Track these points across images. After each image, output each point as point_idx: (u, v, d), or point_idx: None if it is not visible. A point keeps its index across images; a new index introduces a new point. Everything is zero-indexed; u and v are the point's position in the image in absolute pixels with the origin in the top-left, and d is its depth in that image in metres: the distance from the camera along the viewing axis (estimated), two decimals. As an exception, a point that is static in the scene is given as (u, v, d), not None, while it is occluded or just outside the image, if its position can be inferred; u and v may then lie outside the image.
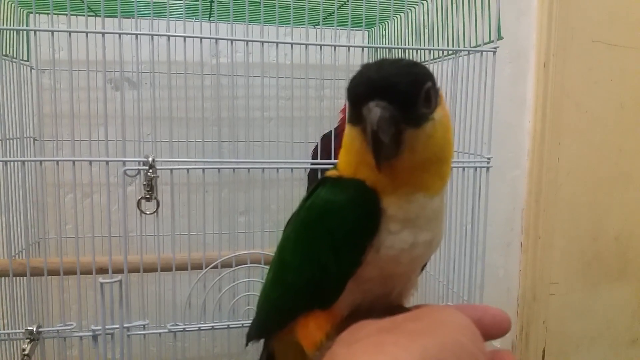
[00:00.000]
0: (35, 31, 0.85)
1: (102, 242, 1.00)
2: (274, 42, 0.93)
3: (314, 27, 1.42)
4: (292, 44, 0.91)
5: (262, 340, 0.51)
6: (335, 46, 0.92)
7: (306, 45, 0.92)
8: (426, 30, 1.13)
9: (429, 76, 0.38)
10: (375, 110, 0.35)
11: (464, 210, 1.02)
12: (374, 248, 0.39)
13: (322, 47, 0.92)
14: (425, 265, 0.48)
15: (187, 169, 0.88)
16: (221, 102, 1.04)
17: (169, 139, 0.90)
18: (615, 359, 1.85)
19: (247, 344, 0.52)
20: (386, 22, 1.42)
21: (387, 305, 0.42)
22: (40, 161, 0.87)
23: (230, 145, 1.04)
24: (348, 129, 0.40)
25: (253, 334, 0.51)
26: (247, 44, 0.88)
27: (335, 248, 0.40)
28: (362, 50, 0.96)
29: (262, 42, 0.90)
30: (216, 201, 0.95)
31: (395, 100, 0.36)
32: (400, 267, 0.41)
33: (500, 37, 0.97)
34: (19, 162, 0.88)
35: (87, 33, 0.86)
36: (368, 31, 1.51)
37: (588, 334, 1.81)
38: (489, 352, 0.36)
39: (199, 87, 1.03)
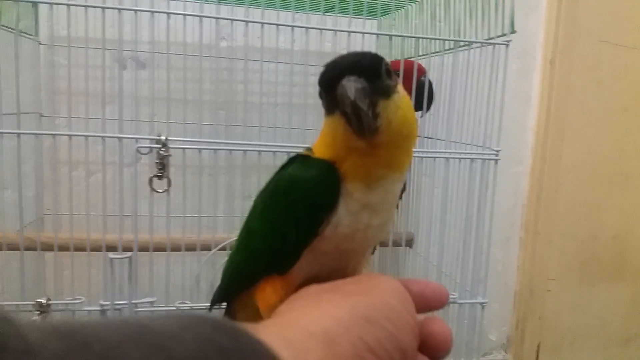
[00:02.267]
0: (51, 4, 0.84)
1: (104, 220, 0.99)
2: (288, 26, 0.92)
3: (323, 14, 1.41)
4: (307, 28, 0.91)
5: (224, 304, 0.55)
6: (350, 32, 0.92)
7: (321, 30, 0.92)
8: (434, 22, 1.13)
9: (384, 58, 0.43)
10: (349, 84, 0.39)
11: (471, 203, 1.03)
12: (332, 224, 0.43)
13: (337, 32, 0.92)
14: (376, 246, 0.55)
15: (199, 149, 0.88)
16: (231, 85, 1.04)
17: (181, 121, 0.91)
18: (607, 357, 1.87)
19: (210, 308, 0.56)
20: (397, 12, 1.41)
21: (342, 278, 0.45)
22: (53, 135, 0.87)
23: (241, 130, 1.04)
24: (325, 121, 0.44)
25: (217, 298, 0.55)
26: (262, 26, 0.88)
27: (294, 219, 0.44)
28: (377, 37, 0.96)
29: (277, 25, 0.90)
30: (226, 184, 0.95)
31: (363, 74, 0.40)
32: (354, 244, 0.45)
33: (513, 31, 0.97)
34: (33, 136, 0.88)
35: (103, 8, 0.86)
36: (377, 20, 1.51)
37: (582, 331, 1.83)
38: (422, 317, 0.40)
39: (208, 70, 1.03)
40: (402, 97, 0.42)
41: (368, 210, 0.44)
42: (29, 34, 1.21)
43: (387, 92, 0.41)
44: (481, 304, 1.05)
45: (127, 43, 1.01)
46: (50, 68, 1.29)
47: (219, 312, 0.55)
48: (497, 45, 0.98)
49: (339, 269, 0.46)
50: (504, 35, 0.97)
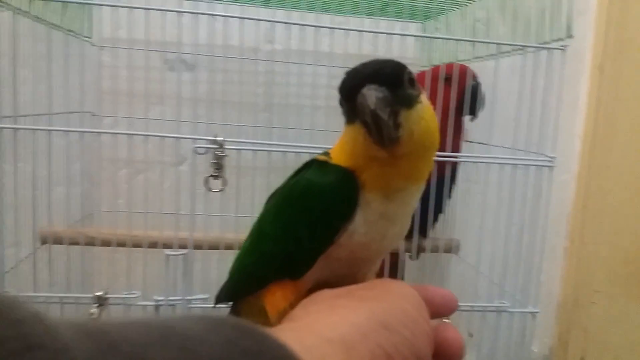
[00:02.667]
0: (101, 5, 0.86)
1: (160, 217, 1.01)
2: (342, 29, 0.92)
3: (370, 17, 1.41)
4: (359, 31, 0.91)
5: (229, 303, 0.55)
6: (404, 35, 0.93)
7: (375, 33, 0.92)
8: (480, 25, 1.12)
9: (407, 67, 0.42)
10: (369, 93, 0.38)
11: (522, 210, 1.01)
12: (348, 232, 0.43)
13: (392, 35, 0.92)
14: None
15: (254, 150, 0.89)
16: (285, 88, 1.05)
17: (235, 122, 0.92)
18: (654, 373, 1.80)
19: (215, 306, 0.55)
20: (442, 15, 1.40)
21: (351, 284, 0.45)
22: (114, 134, 0.89)
23: (294, 132, 1.05)
24: (345, 130, 0.43)
25: (223, 297, 0.54)
26: (317, 29, 0.88)
27: (311, 225, 0.43)
28: (430, 40, 0.95)
29: (332, 29, 0.90)
30: (278, 185, 0.96)
31: (384, 82, 0.39)
32: (369, 252, 0.45)
33: (569, 35, 0.95)
34: (88, 135, 0.90)
35: (163, 11, 0.88)
36: (423, 23, 1.49)
37: (628, 346, 1.77)
38: (435, 323, 0.40)
39: (261, 73, 1.04)
40: (425, 107, 0.41)
41: (385, 220, 0.43)
42: (85, 36, 1.25)
43: (409, 102, 0.40)
44: (532, 313, 1.03)
45: (176, 45, 1.03)
46: (102, 69, 1.33)
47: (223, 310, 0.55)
48: (551, 50, 0.96)
49: (349, 275, 0.46)
50: (560, 39, 0.95)
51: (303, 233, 0.44)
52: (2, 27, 0.87)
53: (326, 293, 0.40)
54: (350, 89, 0.40)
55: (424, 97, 0.42)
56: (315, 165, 0.45)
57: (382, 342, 0.33)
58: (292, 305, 0.42)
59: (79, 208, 1.19)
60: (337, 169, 0.43)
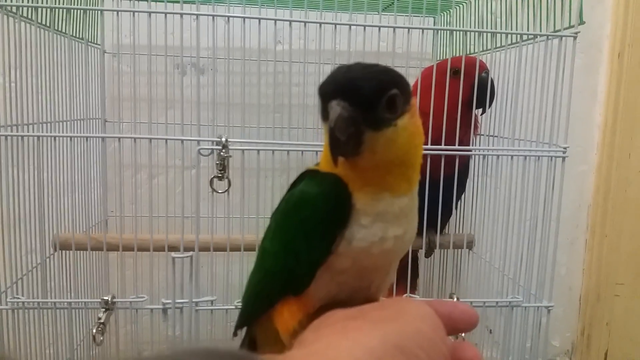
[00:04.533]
0: (118, 12, 0.87)
1: (167, 220, 1.01)
2: (345, 24, 0.91)
3: (376, 13, 1.40)
4: (364, 26, 0.90)
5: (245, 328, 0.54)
6: (409, 28, 0.91)
7: (379, 27, 0.91)
8: (492, 17, 1.09)
9: (396, 83, 0.40)
10: (335, 109, 0.38)
11: (536, 203, 0.99)
12: (345, 240, 0.42)
13: (395, 29, 0.91)
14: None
15: (258, 150, 0.89)
16: (289, 89, 1.05)
17: (240, 124, 0.92)
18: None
19: (235, 333, 0.55)
20: (449, 10, 1.38)
21: (365, 300, 0.44)
22: (119, 138, 0.90)
23: (300, 132, 1.05)
24: (323, 125, 0.42)
25: (239, 323, 0.53)
26: (320, 26, 0.87)
27: (307, 236, 0.43)
28: (436, 34, 0.93)
29: (335, 25, 0.89)
30: (283, 185, 0.95)
31: (356, 102, 0.38)
32: (372, 259, 0.43)
33: (582, 22, 0.92)
34: (98, 141, 0.91)
35: (166, 14, 0.88)
36: (433, 18, 1.47)
37: (654, 339, 1.72)
38: (452, 342, 0.38)
39: (265, 74, 1.03)
40: (398, 130, 0.39)
41: (380, 221, 0.42)
42: (95, 43, 1.25)
43: (378, 125, 0.39)
44: (547, 307, 1.00)
45: (186, 49, 1.03)
46: (114, 75, 1.34)
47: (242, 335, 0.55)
48: (563, 38, 0.93)
49: (360, 289, 0.45)
50: (571, 27, 0.92)
51: (300, 245, 0.43)
52: (13, 37, 0.88)
53: (338, 314, 0.39)
54: (324, 95, 0.40)
55: (406, 117, 0.40)
56: (308, 176, 0.45)
57: None
58: (303, 324, 0.42)
59: (93, 215, 1.20)
60: (325, 176, 0.43)
